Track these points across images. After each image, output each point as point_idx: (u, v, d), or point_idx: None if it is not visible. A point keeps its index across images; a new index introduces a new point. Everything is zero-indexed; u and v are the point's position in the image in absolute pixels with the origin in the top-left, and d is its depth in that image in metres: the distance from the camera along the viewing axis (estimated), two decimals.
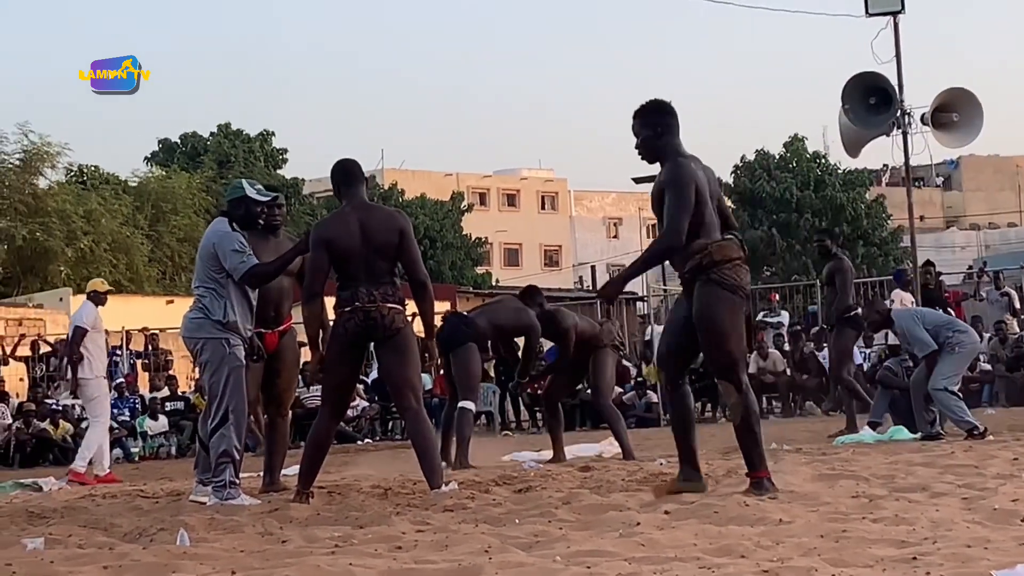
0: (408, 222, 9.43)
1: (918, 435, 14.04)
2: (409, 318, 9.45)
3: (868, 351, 23.72)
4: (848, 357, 16.65)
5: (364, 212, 9.32)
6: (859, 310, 16.12)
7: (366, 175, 9.65)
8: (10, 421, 23.31)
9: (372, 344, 9.35)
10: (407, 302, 9.36)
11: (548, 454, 13.81)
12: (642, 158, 8.78)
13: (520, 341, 14.13)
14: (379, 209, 9.69)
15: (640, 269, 8.85)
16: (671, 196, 8.28)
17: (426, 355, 9.77)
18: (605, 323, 14.04)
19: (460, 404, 13.19)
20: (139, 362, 26.23)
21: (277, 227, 10.49)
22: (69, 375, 15.39)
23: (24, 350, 27.12)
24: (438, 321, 11.65)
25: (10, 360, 26.86)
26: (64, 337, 28.11)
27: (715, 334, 8.39)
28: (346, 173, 9.48)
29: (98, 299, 15.28)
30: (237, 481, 9.61)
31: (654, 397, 23.76)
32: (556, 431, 13.81)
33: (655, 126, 8.58)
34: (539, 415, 24.14)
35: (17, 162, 41.25)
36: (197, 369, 10.16)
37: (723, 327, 8.41)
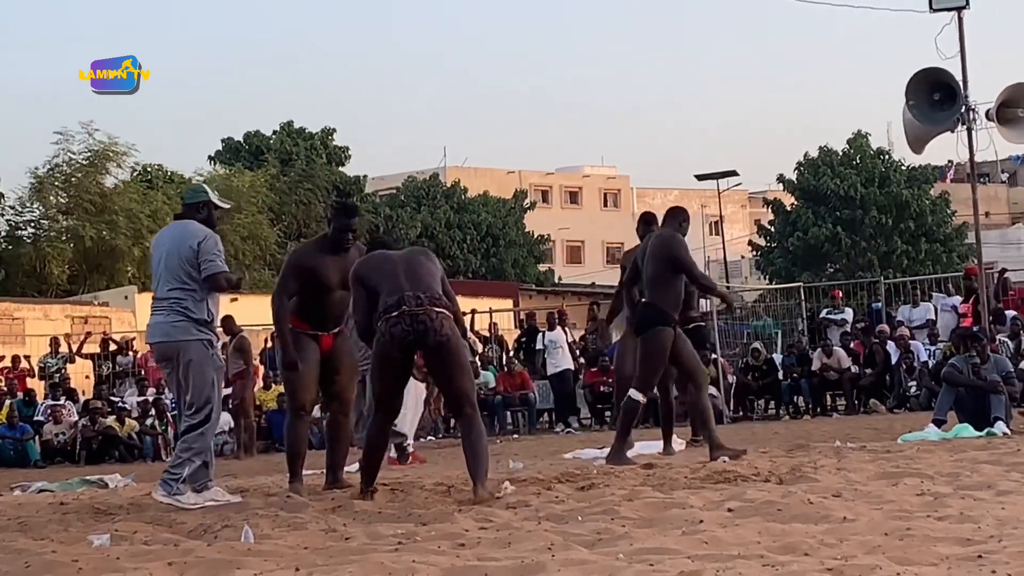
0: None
1: (983, 432, 13.97)
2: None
3: (933, 348, 23.56)
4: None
5: (399, 253, 9.75)
6: (704, 323, 16.01)
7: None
8: (76, 418, 23.49)
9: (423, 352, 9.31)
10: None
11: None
12: None
13: None
14: (415, 248, 10.30)
15: None
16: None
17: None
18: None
19: (632, 393, 12.38)
20: None
21: (347, 249, 10.58)
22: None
23: (91, 347, 27.32)
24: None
25: (76, 358, 27.07)
26: (131, 336, 28.46)
27: None
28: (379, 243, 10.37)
29: None
30: (210, 484, 9.69)
31: (715, 393, 23.70)
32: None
33: None
34: (604, 413, 24.09)
35: (84, 161, 41.53)
36: (167, 373, 10.14)
37: None
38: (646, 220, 13.87)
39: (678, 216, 12.66)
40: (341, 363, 10.65)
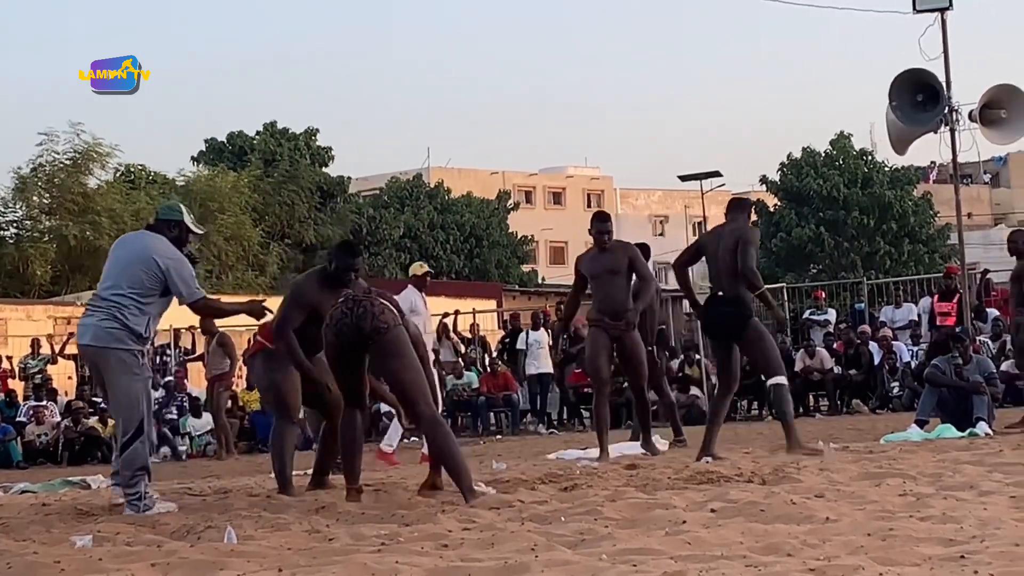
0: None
1: (966, 433, 14.00)
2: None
3: (915, 349, 23.59)
4: (663, 372, 16.50)
5: None
6: (663, 326, 15.86)
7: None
8: (59, 419, 23.44)
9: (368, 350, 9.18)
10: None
11: (594, 452, 13.72)
12: None
13: None
14: None
15: None
16: None
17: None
18: None
19: (772, 381, 12.28)
20: (188, 360, 26.38)
21: (346, 286, 10.66)
22: None
23: (74, 348, 27.22)
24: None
25: (59, 358, 26.99)
26: None
27: None
28: None
29: (417, 283, 15.36)
30: (150, 491, 9.61)
31: (699, 394, 23.72)
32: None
33: None
34: (584, 412, 24.08)
35: (68, 161, 41.47)
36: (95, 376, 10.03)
37: None
38: (601, 218, 13.70)
39: (747, 207, 12.82)
40: (323, 377, 10.70)
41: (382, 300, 9.07)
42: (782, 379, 12.30)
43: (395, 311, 9.09)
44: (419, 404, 9.02)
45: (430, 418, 9.04)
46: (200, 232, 10.31)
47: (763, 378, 12.66)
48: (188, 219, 9.91)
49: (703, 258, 12.46)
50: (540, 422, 23.95)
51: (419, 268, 15.77)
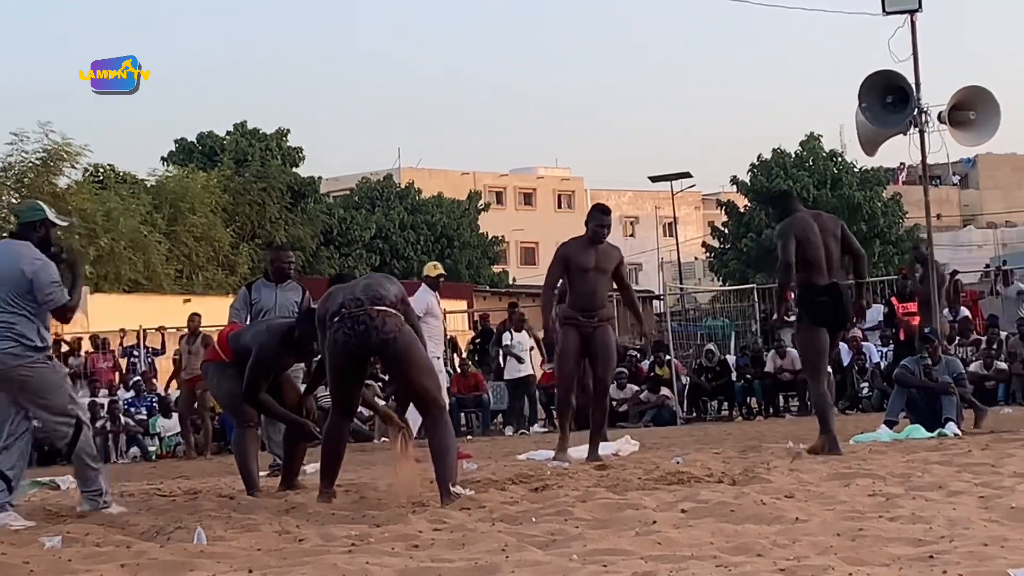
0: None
1: (935, 433, 14.03)
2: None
3: (885, 349, 23.67)
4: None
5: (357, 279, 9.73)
6: None
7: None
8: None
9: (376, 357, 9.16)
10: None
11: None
12: None
13: None
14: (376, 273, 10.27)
15: None
16: None
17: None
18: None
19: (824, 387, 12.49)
20: (156, 360, 26.29)
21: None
22: None
23: None
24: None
25: None
26: (80, 335, 28.30)
27: None
28: None
29: (431, 283, 15.27)
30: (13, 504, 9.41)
31: (669, 394, 23.74)
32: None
33: None
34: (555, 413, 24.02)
35: (38, 161, 41.28)
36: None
37: None
38: (604, 210, 13.10)
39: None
40: (291, 386, 10.74)
41: (377, 307, 8.98)
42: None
43: (394, 312, 9.01)
44: (430, 408, 9.09)
45: (440, 416, 9.08)
46: (63, 223, 9.96)
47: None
48: (51, 214, 9.61)
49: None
50: (520, 423, 23.66)
51: (433, 269, 15.66)
